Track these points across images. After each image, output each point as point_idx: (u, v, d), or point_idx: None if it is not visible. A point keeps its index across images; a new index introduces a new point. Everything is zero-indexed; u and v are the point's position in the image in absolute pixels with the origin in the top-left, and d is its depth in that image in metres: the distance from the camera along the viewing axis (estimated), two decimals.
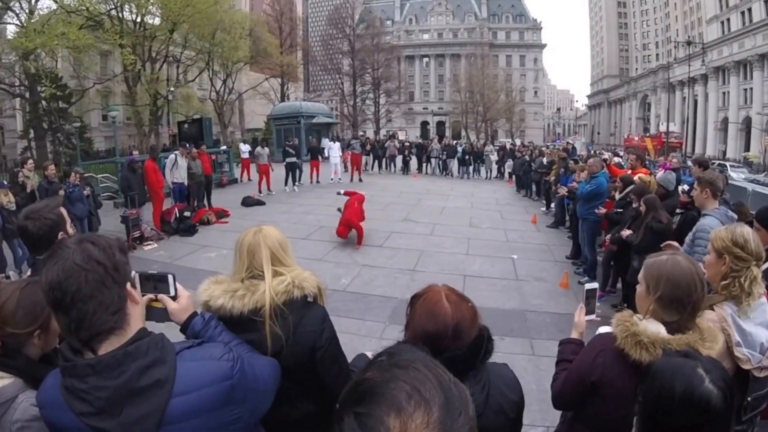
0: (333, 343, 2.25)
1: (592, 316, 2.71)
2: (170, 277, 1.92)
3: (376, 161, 29.54)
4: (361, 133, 53.89)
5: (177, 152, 14.63)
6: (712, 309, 2.56)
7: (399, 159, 29.98)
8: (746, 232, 2.68)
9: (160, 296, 1.91)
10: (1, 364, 1.81)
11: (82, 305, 1.41)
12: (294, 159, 20.33)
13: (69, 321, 1.43)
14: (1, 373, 1.79)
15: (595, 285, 2.84)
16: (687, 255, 2.49)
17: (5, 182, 10.78)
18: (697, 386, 1.60)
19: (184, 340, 1.81)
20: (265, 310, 2.05)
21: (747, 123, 59.09)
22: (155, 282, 1.90)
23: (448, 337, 1.72)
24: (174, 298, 1.93)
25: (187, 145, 15.89)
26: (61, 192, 10.52)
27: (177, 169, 14.09)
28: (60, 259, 1.43)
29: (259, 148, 20.61)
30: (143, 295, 1.78)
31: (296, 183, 20.97)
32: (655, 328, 2.09)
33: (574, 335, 2.70)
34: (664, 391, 1.65)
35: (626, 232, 6.99)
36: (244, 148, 25.55)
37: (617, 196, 8.78)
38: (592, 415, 2.27)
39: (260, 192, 18.97)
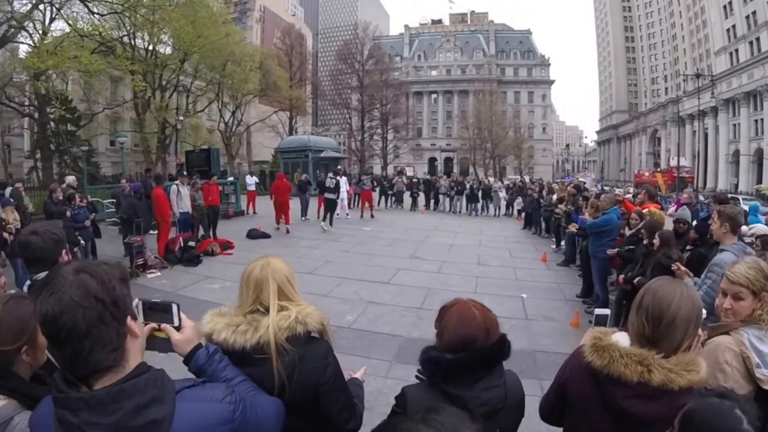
0: (337, 378, 2.20)
1: None
2: (175, 307, 1.86)
3: (383, 197, 29.54)
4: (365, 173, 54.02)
5: (178, 182, 14.56)
6: (728, 334, 2.61)
7: (406, 195, 29.91)
8: (763, 264, 2.77)
9: (164, 326, 1.84)
10: None
11: (78, 343, 1.33)
12: (333, 196, 19.52)
13: (64, 356, 1.37)
14: None
15: (606, 312, 2.87)
16: (683, 281, 2.41)
17: (12, 200, 10.78)
18: (736, 429, 1.53)
19: (186, 377, 1.70)
20: (270, 346, 1.99)
21: (759, 155, 58.81)
22: (159, 311, 1.84)
23: (480, 339, 2.01)
24: (178, 329, 1.87)
25: (185, 173, 15.93)
26: (68, 213, 10.54)
27: (181, 198, 13.99)
28: (56, 290, 1.34)
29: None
30: (145, 324, 1.75)
31: (303, 217, 21.00)
32: (620, 339, 2.12)
33: None
34: None
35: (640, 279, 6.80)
36: (250, 181, 25.54)
37: (627, 232, 8.60)
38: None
39: (277, 226, 18.84)
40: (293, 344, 2.04)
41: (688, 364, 1.99)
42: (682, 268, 5.25)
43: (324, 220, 19.10)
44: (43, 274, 2.55)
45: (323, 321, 2.19)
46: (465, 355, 1.97)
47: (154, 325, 1.81)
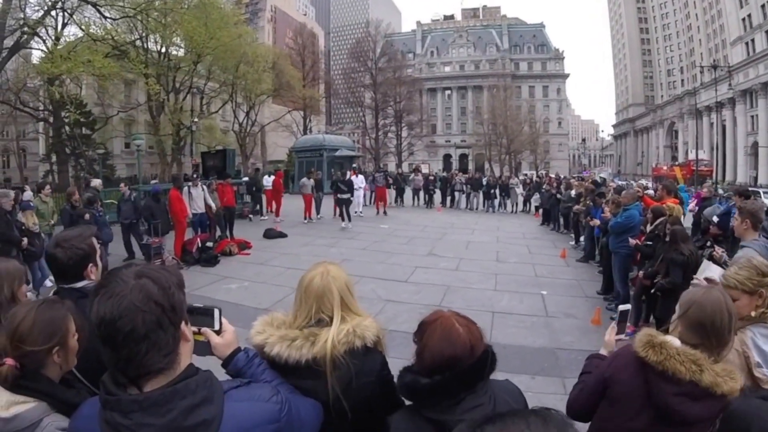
0: (390, 388, 2.15)
1: (622, 336, 2.81)
2: (216, 311, 1.88)
3: (398, 195, 29.47)
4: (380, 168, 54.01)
5: (189, 184, 14.57)
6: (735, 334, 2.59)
7: (421, 192, 29.78)
8: (761, 261, 2.90)
9: (204, 330, 1.85)
10: (23, 388, 1.78)
11: (134, 346, 1.34)
12: (347, 195, 19.80)
13: (117, 358, 1.37)
14: (24, 397, 1.76)
15: (628, 307, 3.02)
16: (722, 289, 2.51)
17: (32, 203, 10.84)
18: None
19: (230, 378, 1.79)
20: (327, 361, 1.97)
21: None
22: (200, 315, 1.86)
23: (465, 359, 1.81)
24: (218, 333, 1.88)
25: (195, 175, 16.12)
26: (87, 216, 10.58)
27: (192, 200, 14.04)
28: (115, 294, 1.35)
29: (304, 179, 21.02)
30: None
31: (318, 216, 21.04)
32: (673, 340, 2.19)
33: (603, 353, 2.77)
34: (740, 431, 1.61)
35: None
36: (268, 180, 25.53)
37: (648, 228, 8.48)
38: (602, 427, 2.37)
39: (305, 220, 20.06)
40: (351, 358, 2.00)
41: (731, 373, 2.08)
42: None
43: (344, 220, 19.26)
44: (81, 283, 2.53)
45: (380, 333, 2.15)
46: (441, 379, 1.81)
47: (194, 328, 1.77)
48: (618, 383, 2.26)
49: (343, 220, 19.30)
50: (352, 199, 20.37)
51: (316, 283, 2.13)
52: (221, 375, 1.71)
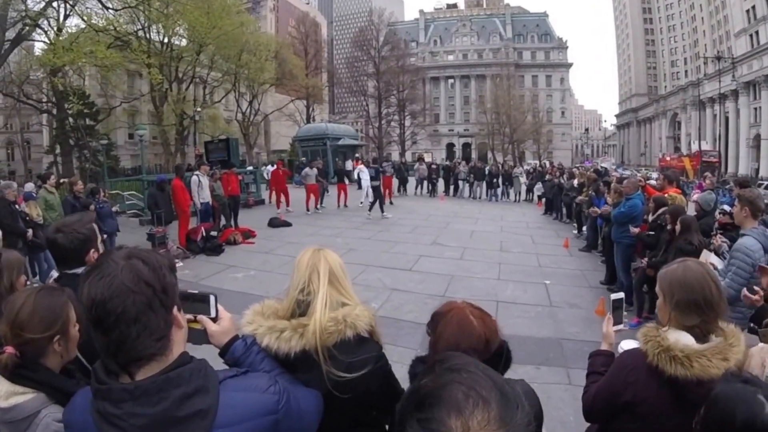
0: (387, 380, 2.15)
1: (620, 326, 2.74)
2: (212, 298, 1.82)
3: (401, 184, 29.35)
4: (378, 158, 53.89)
5: (198, 172, 14.52)
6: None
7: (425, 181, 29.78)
8: None
9: (200, 317, 1.80)
10: (22, 377, 1.78)
11: (125, 328, 1.30)
12: (377, 183, 19.32)
13: (108, 342, 1.32)
14: (23, 388, 1.76)
15: (621, 295, 2.83)
16: (698, 260, 2.53)
17: (35, 195, 10.87)
18: (758, 413, 1.55)
19: (227, 368, 1.72)
20: (318, 353, 1.90)
21: None
22: (195, 302, 1.80)
23: (480, 351, 1.79)
24: (214, 320, 1.82)
25: (206, 163, 16.04)
26: (92, 207, 10.62)
27: (201, 189, 14.03)
28: (106, 274, 1.32)
29: (307, 169, 20.85)
30: None
31: (319, 206, 20.97)
32: (684, 339, 2.11)
33: (604, 347, 2.72)
34: (726, 418, 1.60)
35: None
36: (268, 171, 25.51)
37: (650, 218, 8.49)
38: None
39: (308, 211, 19.71)
40: (343, 349, 1.93)
41: (736, 335, 2.13)
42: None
43: (383, 211, 19.06)
44: (83, 269, 2.46)
45: (372, 322, 2.07)
46: None
47: (189, 316, 1.72)
48: (644, 403, 2.16)
49: (383, 211, 19.07)
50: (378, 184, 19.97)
51: (307, 256, 2.14)
52: (218, 364, 1.68)
